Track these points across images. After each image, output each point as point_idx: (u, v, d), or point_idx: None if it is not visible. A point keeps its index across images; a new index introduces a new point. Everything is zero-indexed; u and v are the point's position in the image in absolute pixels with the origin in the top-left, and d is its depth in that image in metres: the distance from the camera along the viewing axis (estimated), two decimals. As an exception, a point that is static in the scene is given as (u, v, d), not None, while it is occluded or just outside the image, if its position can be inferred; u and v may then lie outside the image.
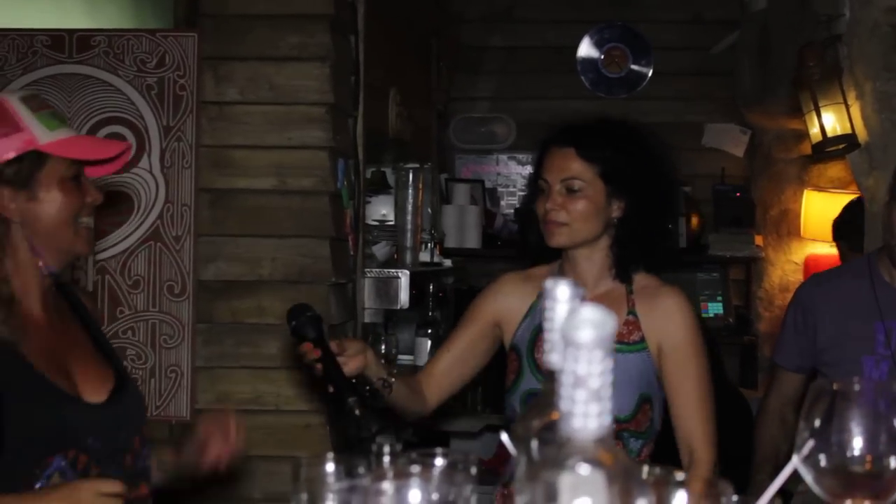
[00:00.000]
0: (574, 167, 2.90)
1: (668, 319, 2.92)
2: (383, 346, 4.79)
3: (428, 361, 3.21)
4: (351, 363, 2.70)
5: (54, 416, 2.48)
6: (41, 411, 2.47)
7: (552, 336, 1.37)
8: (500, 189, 6.59)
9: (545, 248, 3.02)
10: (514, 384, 2.92)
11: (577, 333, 1.14)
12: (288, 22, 4.33)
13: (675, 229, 3.91)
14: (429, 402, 3.02)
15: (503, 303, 3.06)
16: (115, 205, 4.26)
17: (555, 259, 3.04)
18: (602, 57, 6.85)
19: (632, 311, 2.92)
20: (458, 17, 6.94)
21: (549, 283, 1.34)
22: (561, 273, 3.01)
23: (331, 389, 2.71)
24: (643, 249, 2.99)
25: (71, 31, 4.38)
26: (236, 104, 4.35)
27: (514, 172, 6.71)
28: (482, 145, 6.65)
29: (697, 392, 2.91)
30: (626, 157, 2.93)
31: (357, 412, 2.59)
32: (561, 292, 1.31)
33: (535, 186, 3.04)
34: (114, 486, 2.30)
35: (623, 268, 2.95)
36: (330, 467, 1.71)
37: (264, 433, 4.04)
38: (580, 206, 2.90)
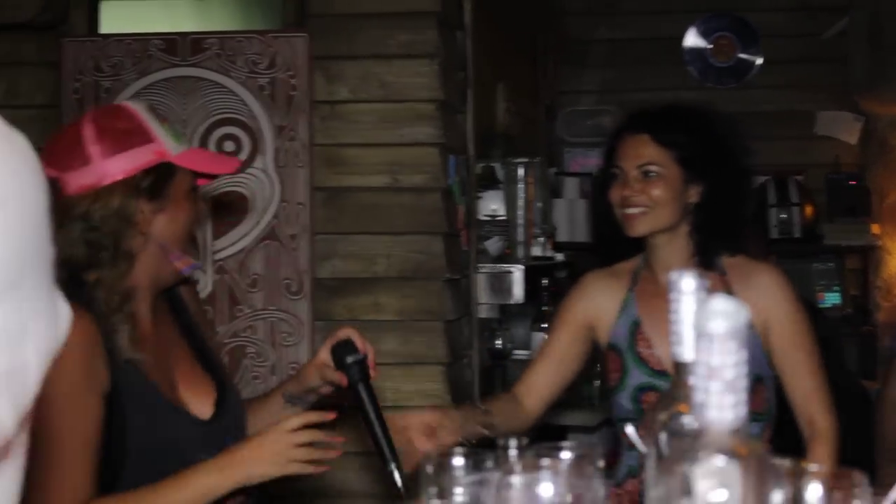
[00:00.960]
0: (650, 152, 2.87)
1: (768, 295, 2.87)
2: (498, 342, 4.78)
3: (524, 373, 3.19)
4: (420, 442, 2.55)
5: (170, 436, 2.49)
6: (160, 430, 2.47)
7: (678, 328, 1.35)
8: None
9: (621, 241, 2.99)
10: (620, 382, 2.88)
11: (710, 324, 1.12)
12: (397, 20, 4.34)
13: (759, 213, 3.94)
14: (530, 415, 2.98)
15: (592, 303, 3.02)
16: (231, 205, 4.34)
17: (635, 253, 3.00)
18: (710, 46, 6.78)
19: (729, 294, 2.82)
20: (564, 11, 6.92)
21: (673, 275, 1.32)
22: (646, 267, 2.99)
23: (371, 441, 2.55)
24: (723, 234, 2.94)
25: (184, 35, 4.43)
26: (348, 103, 4.36)
27: None
28: (590, 138, 6.50)
29: (809, 361, 2.87)
30: (701, 141, 2.90)
31: (397, 481, 2.43)
32: (686, 284, 1.29)
33: (607, 177, 3.00)
34: (305, 422, 2.30)
35: (705, 254, 2.90)
36: (458, 461, 1.69)
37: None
38: (658, 190, 2.86)
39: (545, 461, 1.61)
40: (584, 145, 6.53)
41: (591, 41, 6.95)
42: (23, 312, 1.07)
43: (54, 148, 2.43)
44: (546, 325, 4.74)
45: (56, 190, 2.31)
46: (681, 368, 1.49)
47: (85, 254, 2.40)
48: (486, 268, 4.75)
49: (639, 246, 2.98)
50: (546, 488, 1.54)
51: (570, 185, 5.81)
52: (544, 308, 4.93)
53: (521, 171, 4.96)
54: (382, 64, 4.33)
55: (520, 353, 4.86)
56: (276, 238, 4.35)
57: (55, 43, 4.48)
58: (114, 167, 2.37)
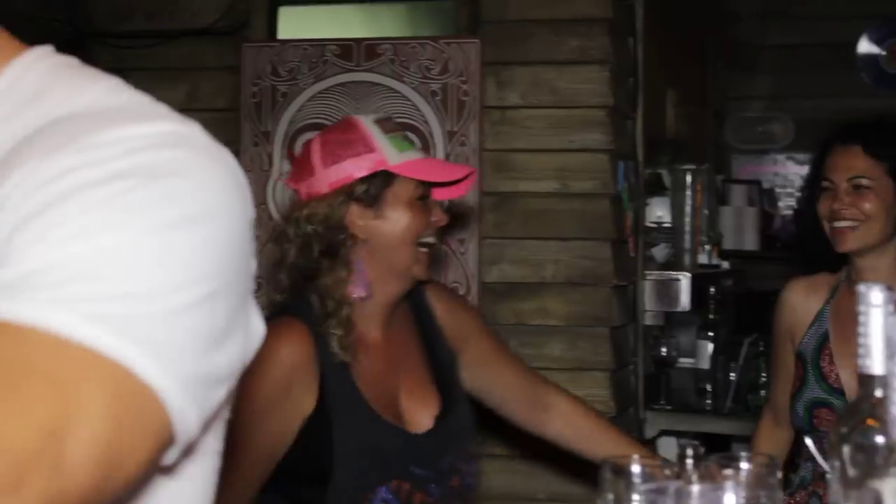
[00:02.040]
0: (861, 165, 2.81)
1: None
2: (664, 349, 4.75)
3: (769, 399, 3.20)
4: None
5: (376, 447, 2.51)
6: (365, 440, 2.50)
7: (866, 341, 1.30)
8: (777, 190, 6.43)
9: (825, 254, 2.92)
10: (798, 392, 2.84)
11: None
12: (568, 26, 4.32)
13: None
14: (790, 435, 2.98)
15: (793, 312, 2.98)
16: None
17: (840, 265, 2.93)
18: (883, 53, 6.56)
19: None
20: (734, 16, 6.82)
21: (861, 287, 1.27)
22: (847, 281, 2.92)
23: None
24: None
25: (359, 41, 4.51)
26: (518, 108, 4.36)
27: (792, 173, 6.55)
28: (759, 145, 6.54)
29: None
30: None
31: None
32: (875, 297, 1.26)
33: (815, 188, 2.94)
34: None
35: None
36: (636, 468, 1.67)
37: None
38: (869, 204, 2.80)
39: (728, 471, 1.59)
40: (752, 152, 6.53)
41: (761, 46, 6.82)
42: (217, 321, 1.08)
43: (294, 161, 2.62)
44: (712, 334, 4.81)
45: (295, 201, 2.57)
46: (867, 382, 1.42)
47: (305, 260, 2.50)
48: (653, 275, 4.72)
49: (844, 259, 2.92)
50: (729, 498, 1.54)
51: (738, 193, 5.74)
52: (711, 317, 4.91)
53: (688, 178, 4.88)
54: (553, 70, 4.32)
55: (685, 362, 4.84)
56: (445, 242, 4.31)
57: (235, 48, 4.59)
58: (332, 176, 2.46)
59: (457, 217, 4.23)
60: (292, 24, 4.82)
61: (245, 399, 2.38)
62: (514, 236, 4.35)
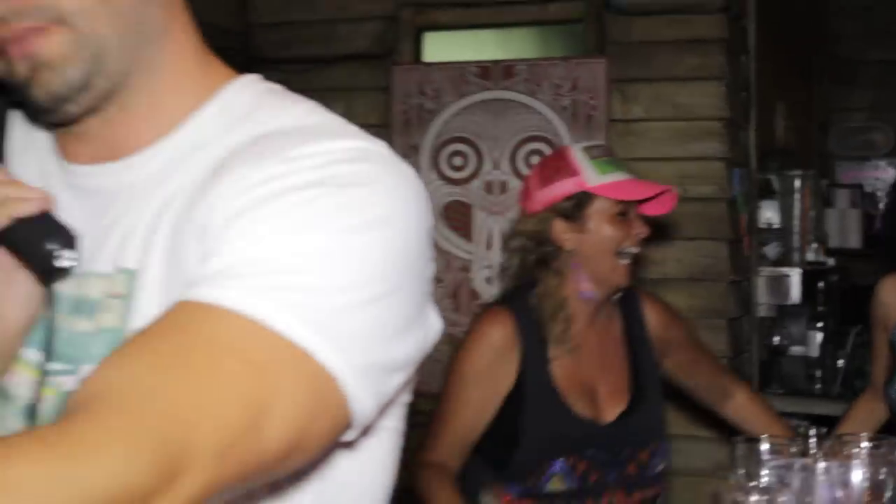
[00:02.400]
0: None
1: None
2: (776, 338, 4.79)
3: (871, 380, 3.25)
4: None
5: (557, 430, 2.71)
6: (548, 423, 2.71)
7: None
8: (878, 193, 6.39)
9: None
10: (890, 378, 2.93)
11: None
12: (687, 46, 4.43)
13: None
14: (885, 414, 3.03)
15: (882, 306, 3.08)
16: None
17: None
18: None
19: None
20: (837, 35, 6.75)
21: None
22: None
23: None
24: None
25: (496, 62, 4.65)
26: (641, 121, 4.49)
27: (891, 177, 6.47)
28: (861, 152, 6.53)
29: None
30: None
31: None
32: None
33: None
34: None
35: None
36: (764, 446, 1.80)
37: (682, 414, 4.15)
38: None
39: (855, 449, 1.72)
40: (854, 159, 6.50)
41: (862, 62, 6.74)
42: (393, 317, 1.14)
43: (522, 184, 2.92)
44: (820, 325, 4.85)
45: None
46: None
47: (521, 268, 2.80)
48: (766, 271, 4.79)
49: None
50: (855, 475, 1.65)
51: (842, 196, 5.76)
52: (820, 309, 4.93)
53: (796, 183, 4.95)
54: (674, 86, 4.43)
55: (796, 350, 4.87)
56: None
57: (386, 70, 4.80)
58: (543, 196, 2.73)
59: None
60: (436, 48, 4.95)
61: (454, 373, 2.77)
62: None
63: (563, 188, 2.69)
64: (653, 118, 4.48)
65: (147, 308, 1.19)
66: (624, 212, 2.70)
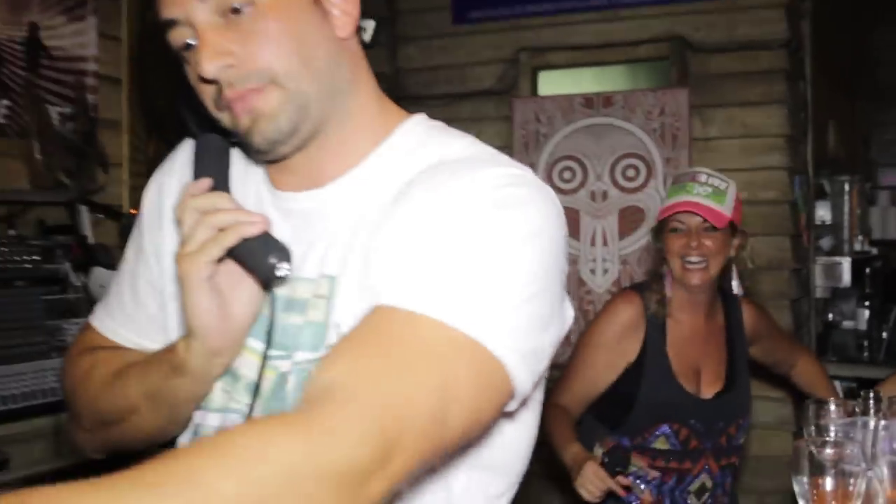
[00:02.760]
0: None
1: None
2: (830, 315, 5.06)
3: None
4: None
5: (667, 399, 2.89)
6: (661, 393, 2.89)
7: None
8: None
9: None
10: None
11: None
12: (754, 76, 4.76)
13: None
14: None
15: None
16: (633, 216, 4.85)
17: None
18: None
19: None
20: (876, 61, 6.92)
21: None
22: None
23: None
24: None
25: (598, 94, 5.01)
26: (717, 139, 4.81)
27: None
28: None
29: None
30: None
31: None
32: None
33: None
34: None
35: None
36: (833, 406, 1.90)
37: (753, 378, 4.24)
38: None
39: None
40: (892, 165, 6.74)
41: None
42: (544, 310, 1.21)
43: None
44: (868, 303, 5.06)
45: None
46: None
47: (653, 263, 3.13)
48: (821, 260, 5.07)
49: None
50: None
51: (883, 196, 6.03)
52: (867, 290, 5.22)
53: (845, 187, 5.27)
54: (743, 110, 4.76)
55: (847, 325, 5.12)
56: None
57: (508, 103, 5.18)
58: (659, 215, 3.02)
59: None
60: (549, 84, 5.27)
61: (588, 336, 2.97)
62: None
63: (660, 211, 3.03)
64: (726, 136, 4.78)
65: (345, 306, 1.29)
66: (675, 228, 2.92)
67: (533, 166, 4.76)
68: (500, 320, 1.14)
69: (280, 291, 1.32)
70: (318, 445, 0.97)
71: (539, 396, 1.35)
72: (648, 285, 3.02)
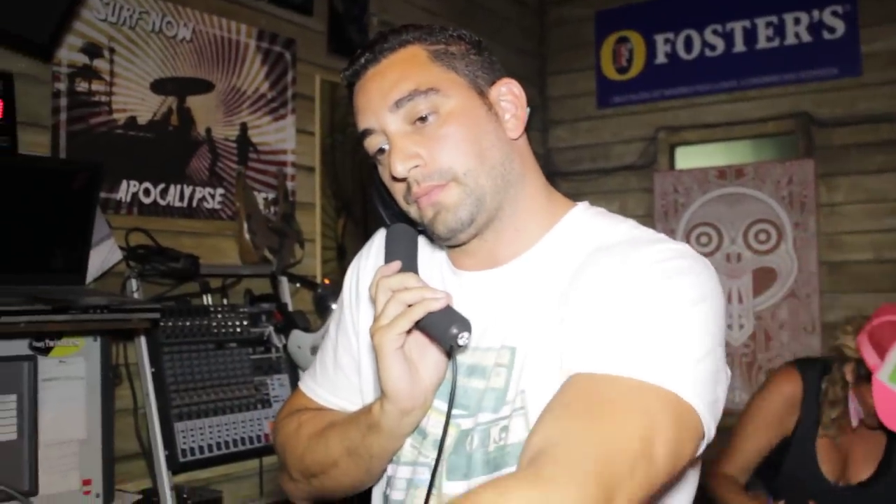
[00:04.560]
0: None
1: None
2: None
3: None
4: None
5: (805, 481, 2.69)
6: (800, 472, 2.70)
7: None
8: None
9: None
10: None
11: None
12: (875, 146, 4.73)
13: None
14: None
15: None
16: (766, 276, 4.81)
17: None
18: None
19: None
20: None
21: None
22: None
23: None
24: None
25: (731, 166, 5.00)
26: (842, 205, 4.80)
27: None
28: None
29: None
30: None
31: None
32: None
33: None
34: None
35: None
36: None
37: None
38: None
39: None
40: None
41: None
42: (717, 365, 1.22)
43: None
44: None
45: None
46: None
47: (831, 356, 2.70)
48: None
49: None
50: None
51: None
52: None
53: None
54: (867, 177, 4.74)
55: None
56: (795, 296, 4.84)
57: (649, 176, 5.26)
58: (860, 344, 2.50)
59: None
60: (685, 158, 5.30)
61: (754, 409, 2.78)
62: (842, 290, 4.74)
63: (870, 358, 2.45)
64: (851, 202, 4.77)
65: (523, 374, 1.30)
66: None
67: (672, 232, 4.96)
68: (687, 373, 1.16)
69: (465, 359, 1.35)
70: (546, 494, 1.01)
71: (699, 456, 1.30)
72: (815, 369, 2.77)
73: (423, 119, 1.31)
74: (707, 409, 1.17)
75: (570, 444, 1.07)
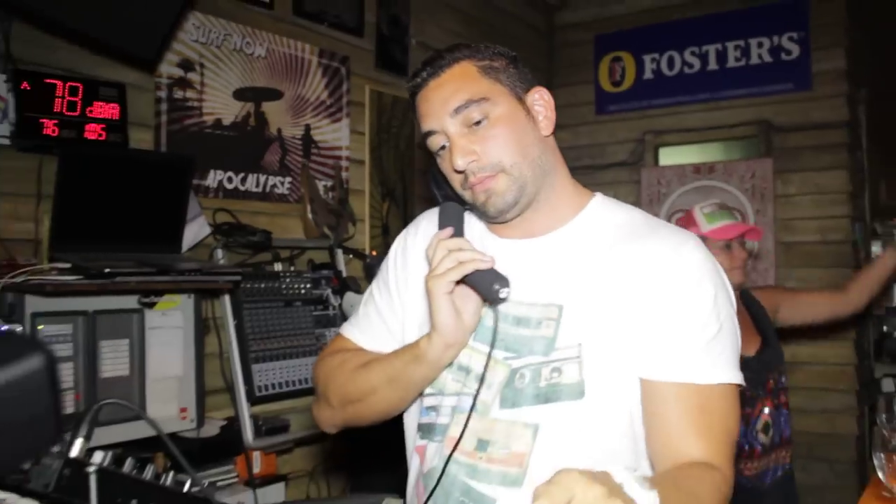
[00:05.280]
0: None
1: None
2: (884, 328, 4.82)
3: None
4: None
5: None
6: None
7: None
8: None
9: None
10: None
11: None
12: (824, 149, 4.62)
13: None
14: None
15: None
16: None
17: None
18: None
19: None
20: None
21: None
22: None
23: None
24: None
25: (704, 163, 4.97)
26: (795, 195, 4.76)
27: None
28: None
29: None
30: None
31: None
32: None
33: None
34: None
35: None
36: None
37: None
38: None
39: None
40: None
41: None
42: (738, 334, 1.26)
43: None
44: None
45: None
46: None
47: None
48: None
49: None
50: None
51: None
52: None
53: (895, 231, 4.89)
54: (816, 174, 4.69)
55: None
56: (755, 270, 4.62)
57: (637, 171, 5.18)
58: None
59: (761, 256, 4.45)
60: (667, 157, 5.24)
61: None
62: (795, 266, 4.72)
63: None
64: (802, 193, 4.73)
65: (571, 329, 1.31)
66: (727, 245, 2.75)
67: (656, 216, 4.55)
68: (735, 362, 1.26)
69: (510, 311, 1.35)
70: (725, 486, 1.19)
71: None
72: None
73: (476, 123, 1.32)
74: (741, 377, 1.26)
75: (724, 456, 1.21)
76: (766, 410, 2.76)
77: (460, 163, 1.31)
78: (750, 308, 2.86)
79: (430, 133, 1.35)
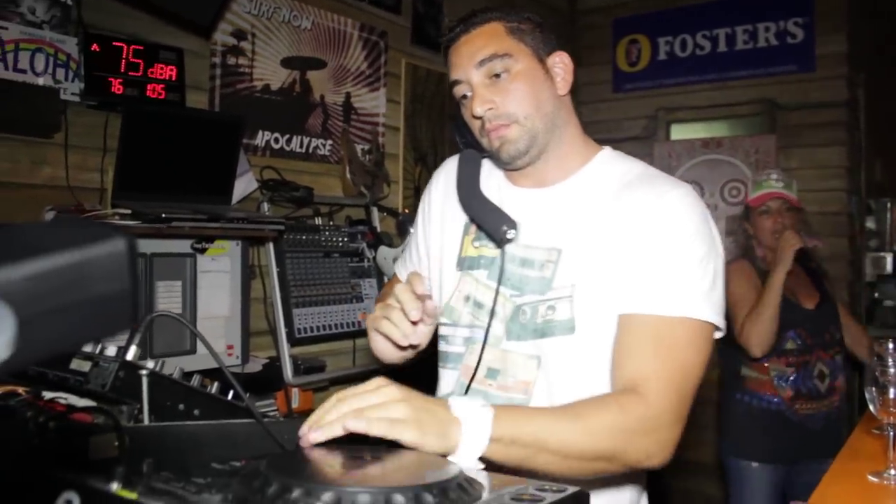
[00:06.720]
0: None
1: None
2: (876, 294, 4.73)
3: None
4: None
5: (789, 313, 2.77)
6: (784, 311, 2.74)
7: None
8: None
9: None
10: None
11: None
12: (823, 126, 4.54)
13: None
14: None
15: None
16: (737, 221, 4.40)
17: None
18: None
19: None
20: None
21: None
22: None
23: None
24: None
25: (713, 138, 4.88)
26: (796, 170, 4.54)
27: None
28: None
29: None
30: None
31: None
32: None
33: None
34: None
35: None
36: (890, 346, 1.67)
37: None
38: None
39: None
40: None
41: None
42: (722, 277, 1.23)
43: None
44: None
45: None
46: None
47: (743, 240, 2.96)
48: (870, 255, 4.73)
49: None
50: None
51: None
52: None
53: (888, 205, 4.94)
54: (816, 150, 4.60)
55: (888, 302, 4.74)
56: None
57: (650, 146, 5.09)
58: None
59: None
60: (678, 132, 5.16)
61: (729, 299, 2.16)
62: None
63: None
64: (803, 167, 4.62)
65: (566, 271, 1.30)
66: (766, 210, 2.90)
67: None
68: (714, 302, 1.21)
69: (518, 252, 1.34)
70: (649, 407, 1.12)
71: None
72: (747, 253, 2.93)
73: (497, 76, 1.31)
74: (722, 319, 1.22)
75: (659, 378, 1.14)
76: (824, 360, 2.81)
77: (479, 109, 1.31)
78: (808, 268, 2.92)
79: (456, 82, 1.36)
